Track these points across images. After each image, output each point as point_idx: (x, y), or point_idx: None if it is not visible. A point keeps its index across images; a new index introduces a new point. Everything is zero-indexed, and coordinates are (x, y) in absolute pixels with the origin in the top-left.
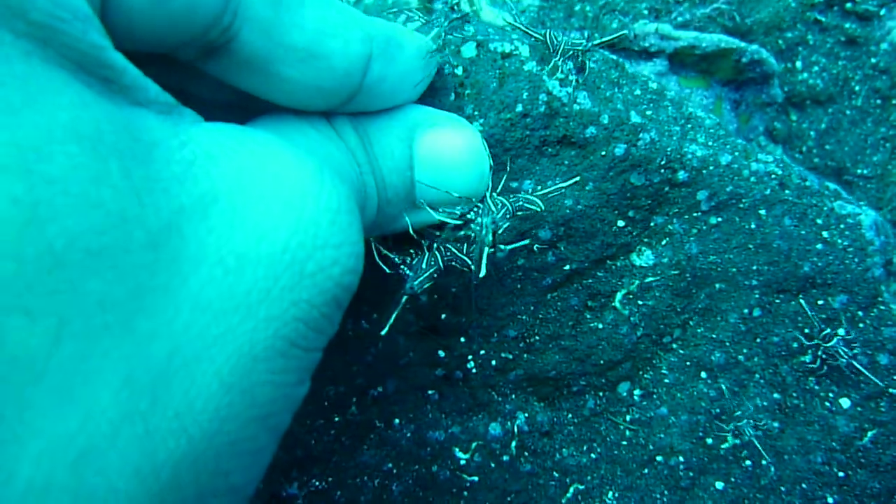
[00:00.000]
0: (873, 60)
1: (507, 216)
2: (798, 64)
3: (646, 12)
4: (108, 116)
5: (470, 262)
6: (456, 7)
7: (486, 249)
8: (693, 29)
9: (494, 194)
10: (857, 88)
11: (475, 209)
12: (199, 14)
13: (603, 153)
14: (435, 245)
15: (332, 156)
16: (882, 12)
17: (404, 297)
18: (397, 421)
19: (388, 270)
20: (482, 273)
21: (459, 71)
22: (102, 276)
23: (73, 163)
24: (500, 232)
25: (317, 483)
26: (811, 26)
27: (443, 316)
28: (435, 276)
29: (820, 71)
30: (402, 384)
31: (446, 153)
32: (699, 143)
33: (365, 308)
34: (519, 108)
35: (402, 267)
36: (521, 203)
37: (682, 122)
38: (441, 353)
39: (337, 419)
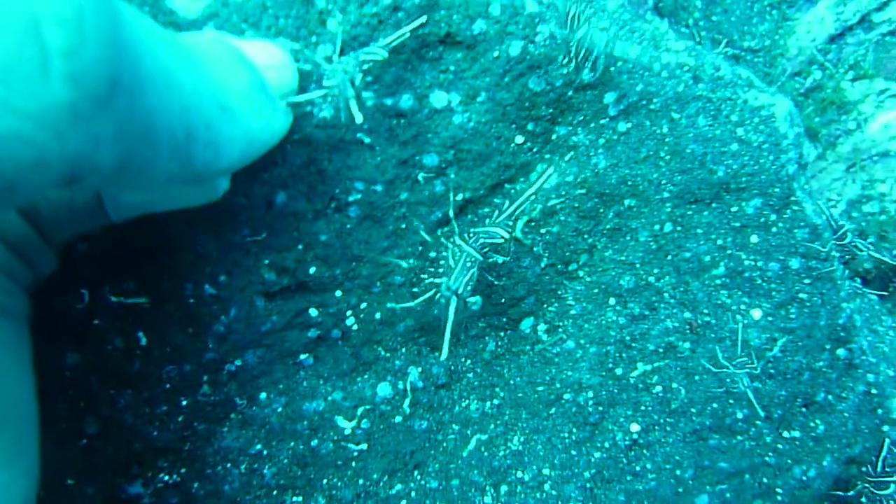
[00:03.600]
0: None
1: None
2: None
3: None
4: None
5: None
6: None
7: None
8: None
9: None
10: None
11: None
12: None
13: (496, 54)
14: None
15: None
16: None
17: (452, 303)
18: (264, 395)
19: None
20: (359, 119)
21: None
22: None
23: None
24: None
25: (166, 477)
26: None
27: (312, 269)
28: (475, 270)
29: None
30: (267, 353)
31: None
32: (604, 33)
33: (207, 268)
34: None
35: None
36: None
37: (584, 5)
38: (313, 312)
39: (185, 402)
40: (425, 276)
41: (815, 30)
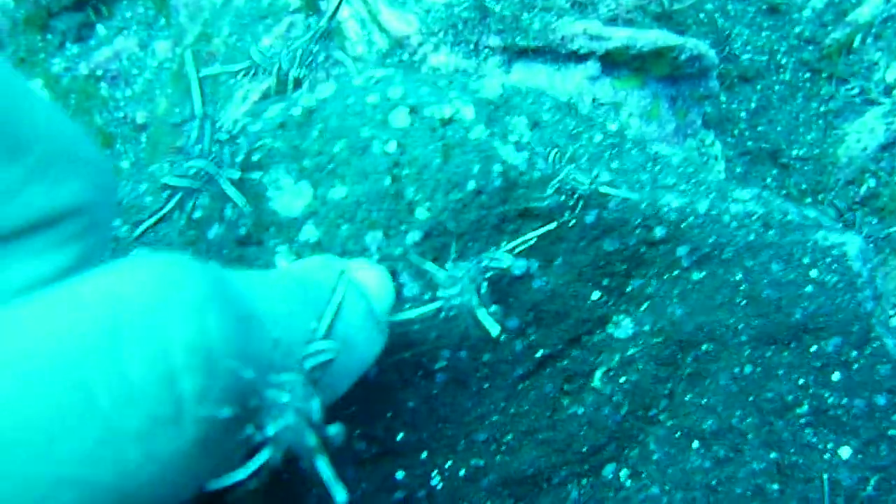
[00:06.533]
0: (797, 29)
1: (483, 273)
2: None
3: (568, 6)
4: None
5: None
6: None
7: (481, 309)
8: (622, 23)
9: (453, 264)
10: (783, 61)
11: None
12: None
13: (571, 223)
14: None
15: None
16: None
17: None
18: None
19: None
20: (496, 331)
21: (393, 146)
22: None
23: None
24: (482, 291)
25: None
26: None
27: (400, 435)
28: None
29: (744, 44)
30: None
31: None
32: (673, 190)
33: None
34: (471, 184)
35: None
36: (485, 263)
37: (650, 166)
38: (399, 475)
39: None
40: (510, 428)
41: (865, 139)
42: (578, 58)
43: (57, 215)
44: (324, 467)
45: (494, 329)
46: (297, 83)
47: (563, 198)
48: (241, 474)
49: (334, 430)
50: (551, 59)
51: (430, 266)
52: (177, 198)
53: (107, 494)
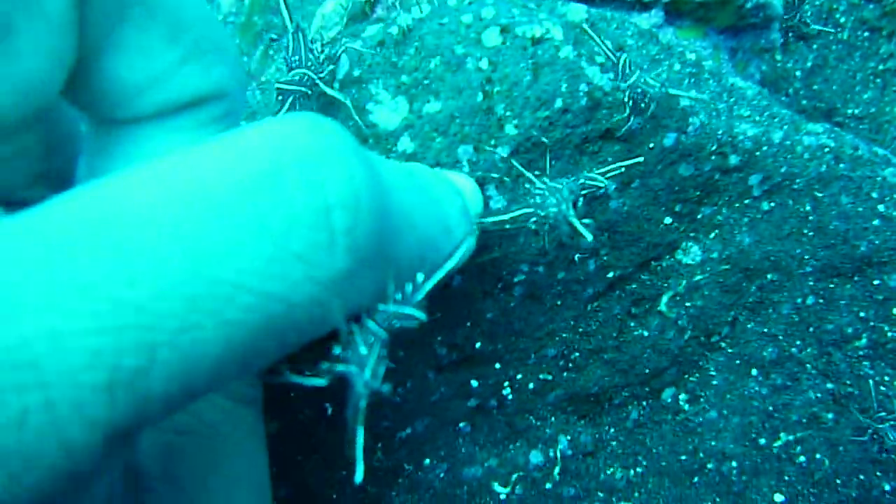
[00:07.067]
0: None
1: (580, 189)
2: None
3: None
4: None
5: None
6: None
7: (575, 219)
8: None
9: (547, 180)
10: (842, 20)
11: (536, 195)
12: None
13: (651, 145)
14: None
15: None
16: None
17: (363, 402)
18: (428, 461)
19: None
20: (590, 238)
21: (485, 63)
22: None
23: None
24: (579, 205)
25: None
26: None
27: (478, 345)
28: (384, 353)
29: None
30: (432, 422)
31: None
32: (748, 120)
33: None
34: (558, 103)
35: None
36: (582, 181)
37: (726, 96)
38: (474, 383)
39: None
40: (578, 346)
41: None
42: (643, 6)
43: (205, 97)
44: (358, 439)
45: (589, 237)
46: (373, 5)
47: (631, 103)
48: (307, 381)
49: (385, 388)
50: (616, 6)
51: (529, 175)
52: (289, 100)
53: (273, 303)
